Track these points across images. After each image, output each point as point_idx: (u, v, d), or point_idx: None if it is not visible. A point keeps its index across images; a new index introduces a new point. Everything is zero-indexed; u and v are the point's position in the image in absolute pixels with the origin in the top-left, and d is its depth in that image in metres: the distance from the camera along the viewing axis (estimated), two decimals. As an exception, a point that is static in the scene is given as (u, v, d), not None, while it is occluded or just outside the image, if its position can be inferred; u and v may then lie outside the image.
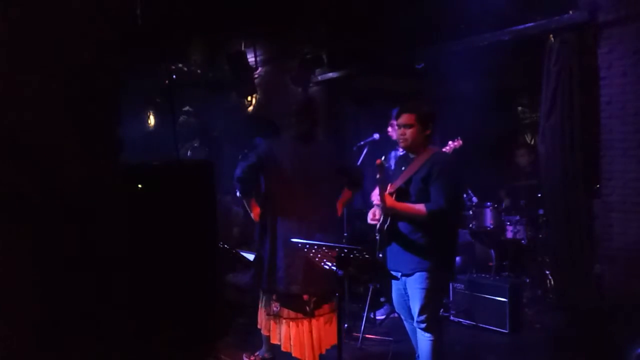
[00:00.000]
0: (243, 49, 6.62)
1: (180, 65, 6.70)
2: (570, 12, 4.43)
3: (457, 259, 5.68)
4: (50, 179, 1.40)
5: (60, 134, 1.43)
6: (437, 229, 3.20)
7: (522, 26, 4.70)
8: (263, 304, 3.72)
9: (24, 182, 1.36)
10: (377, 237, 3.34)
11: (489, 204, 5.66)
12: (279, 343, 3.67)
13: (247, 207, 3.86)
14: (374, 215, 3.37)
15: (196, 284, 1.78)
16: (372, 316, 5.03)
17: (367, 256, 2.80)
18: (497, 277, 5.19)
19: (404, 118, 3.26)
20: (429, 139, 3.34)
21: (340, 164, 3.88)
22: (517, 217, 5.59)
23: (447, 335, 4.43)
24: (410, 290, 3.29)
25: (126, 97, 1.63)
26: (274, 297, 3.63)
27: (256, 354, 3.93)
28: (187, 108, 7.37)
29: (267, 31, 6.50)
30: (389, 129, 5.10)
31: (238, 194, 3.78)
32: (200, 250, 1.79)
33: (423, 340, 3.30)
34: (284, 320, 3.62)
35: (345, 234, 5.12)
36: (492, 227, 5.57)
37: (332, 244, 2.89)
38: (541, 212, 5.43)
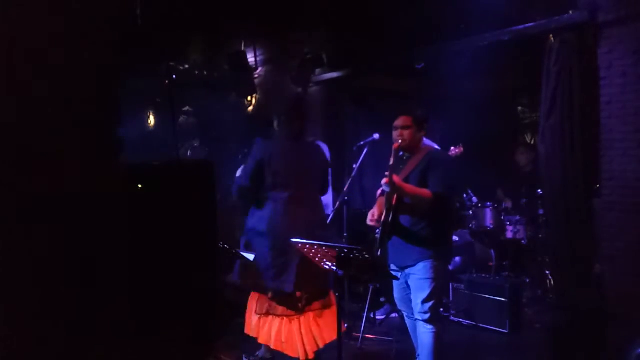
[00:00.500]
0: (243, 49, 6.61)
1: (180, 65, 6.69)
2: (570, 12, 4.42)
3: (457, 259, 5.69)
4: (50, 179, 1.40)
5: (60, 134, 1.43)
6: (437, 219, 3.36)
7: (522, 26, 4.69)
8: (254, 305, 3.74)
9: (24, 182, 1.36)
10: (377, 235, 3.40)
11: (489, 204, 5.66)
12: (268, 344, 3.68)
13: (243, 208, 3.88)
14: (373, 216, 3.48)
15: (196, 284, 1.78)
16: (372, 316, 5.03)
17: (367, 256, 2.80)
18: (497, 277, 5.20)
19: (401, 120, 3.45)
20: (423, 138, 3.55)
21: (326, 163, 3.97)
22: (517, 217, 5.60)
23: (447, 335, 4.43)
24: (413, 282, 3.39)
25: (126, 97, 1.63)
26: (269, 295, 3.64)
27: (256, 354, 3.93)
28: (187, 108, 7.36)
29: (267, 31, 6.50)
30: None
31: (234, 196, 3.80)
32: (200, 250, 1.79)
33: (425, 333, 3.36)
34: (276, 318, 3.64)
35: (345, 234, 5.12)
36: (492, 227, 5.57)
37: (332, 244, 2.90)
38: (541, 212, 5.44)
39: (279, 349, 3.65)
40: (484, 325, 4.84)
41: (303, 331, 3.66)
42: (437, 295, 3.38)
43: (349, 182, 4.76)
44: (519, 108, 8.32)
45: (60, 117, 1.43)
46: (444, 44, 5.37)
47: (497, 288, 4.85)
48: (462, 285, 5.08)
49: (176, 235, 1.72)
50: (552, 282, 5.21)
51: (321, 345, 3.71)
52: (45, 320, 1.41)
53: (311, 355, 3.66)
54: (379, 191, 3.54)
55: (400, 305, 3.65)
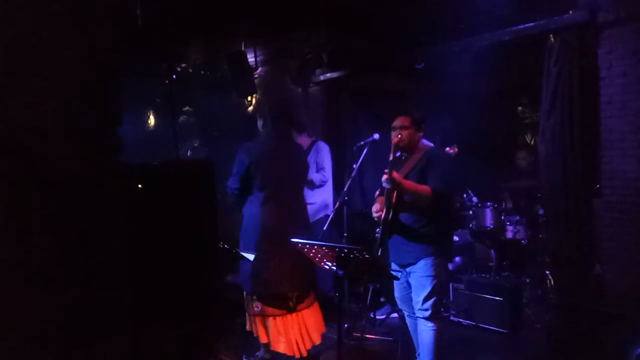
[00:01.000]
0: (243, 49, 6.61)
1: (180, 65, 6.69)
2: (570, 12, 4.43)
3: (457, 259, 5.69)
4: (50, 179, 1.40)
5: (60, 134, 1.43)
6: (437, 217, 3.37)
7: (522, 26, 4.69)
8: (246, 306, 3.77)
9: (24, 182, 1.36)
10: (377, 235, 3.42)
11: (489, 204, 5.65)
12: (266, 342, 3.72)
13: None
14: (377, 209, 3.49)
15: (196, 284, 1.78)
16: (372, 316, 5.03)
17: (367, 256, 2.80)
18: (497, 277, 5.19)
19: (400, 121, 3.48)
20: (421, 138, 3.56)
21: (307, 164, 4.06)
22: (517, 217, 5.59)
23: (447, 335, 4.43)
24: (413, 279, 3.40)
25: (126, 97, 1.63)
26: (254, 297, 3.66)
27: (256, 354, 3.93)
28: (187, 108, 7.36)
29: (267, 31, 6.50)
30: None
31: (229, 197, 3.85)
32: (200, 250, 1.79)
33: (425, 331, 3.37)
34: (270, 319, 3.66)
35: (345, 234, 5.12)
36: (492, 227, 5.56)
37: (332, 244, 2.90)
38: (541, 212, 5.43)
39: (278, 349, 3.66)
40: (484, 325, 4.84)
41: (296, 329, 3.70)
42: (437, 293, 3.39)
43: (349, 182, 4.76)
44: (519, 108, 8.31)
45: (60, 117, 1.43)
46: (444, 44, 5.37)
47: (497, 288, 4.85)
48: (462, 285, 5.08)
49: (176, 235, 1.72)
50: (552, 282, 5.20)
51: (317, 341, 3.75)
52: (45, 319, 1.41)
53: (305, 354, 3.69)
54: (377, 192, 3.57)
55: (400, 304, 3.66)
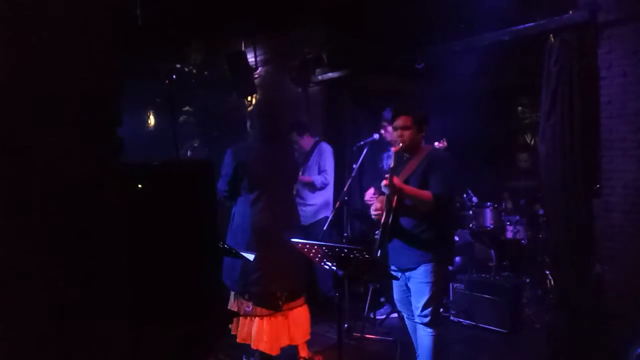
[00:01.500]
0: (243, 49, 6.61)
1: (180, 65, 6.69)
2: (570, 12, 4.42)
3: (457, 259, 5.69)
4: (50, 179, 1.40)
5: (60, 134, 1.43)
6: (438, 221, 3.31)
7: (522, 26, 4.69)
8: (235, 305, 3.77)
9: (24, 182, 1.36)
10: (377, 236, 3.37)
11: (489, 204, 5.66)
12: (245, 342, 3.72)
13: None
14: (376, 208, 3.42)
15: (196, 284, 1.78)
16: (372, 316, 5.03)
17: (367, 256, 2.80)
18: (497, 277, 5.20)
19: (401, 120, 3.38)
20: (423, 139, 3.49)
21: (296, 165, 4.08)
22: (517, 217, 5.60)
23: (447, 335, 4.43)
24: (413, 284, 3.36)
25: (126, 97, 1.63)
26: (246, 296, 3.67)
27: (256, 354, 3.93)
28: (187, 108, 7.36)
29: (267, 31, 6.50)
30: (382, 130, 5.12)
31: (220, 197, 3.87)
32: (200, 250, 1.79)
33: (424, 336, 3.35)
34: (257, 319, 3.67)
35: (345, 234, 5.12)
36: (492, 227, 5.57)
37: (332, 244, 2.90)
38: (541, 212, 5.44)
39: (258, 347, 3.67)
40: (484, 325, 4.84)
41: (281, 328, 3.71)
42: (437, 300, 3.35)
43: (349, 182, 4.76)
44: (519, 108, 8.32)
45: (60, 117, 1.43)
46: (444, 44, 5.37)
47: (497, 288, 4.85)
48: (462, 285, 5.08)
49: (176, 235, 1.72)
50: (552, 282, 5.21)
51: (299, 343, 3.76)
52: (44, 319, 1.41)
53: (278, 352, 3.70)
54: (373, 191, 3.52)
55: (400, 306, 3.64)
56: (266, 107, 3.90)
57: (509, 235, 5.55)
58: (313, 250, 2.91)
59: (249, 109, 7.13)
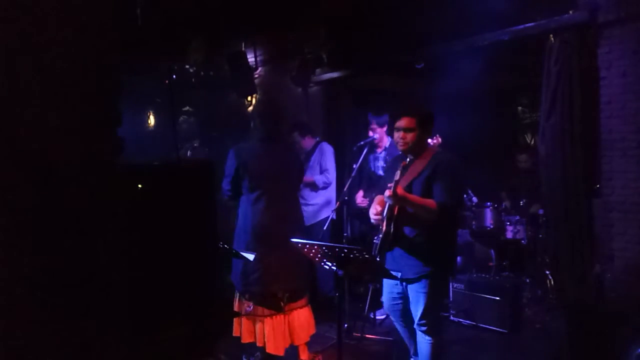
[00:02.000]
0: (243, 49, 6.61)
1: (180, 65, 6.69)
2: (570, 12, 4.42)
3: (457, 259, 5.69)
4: (50, 179, 1.40)
5: (60, 134, 1.43)
6: (441, 231, 3.16)
7: (522, 26, 4.69)
8: (237, 305, 3.78)
9: (24, 182, 1.36)
10: (375, 241, 3.24)
11: (489, 204, 5.66)
12: (252, 341, 3.73)
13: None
14: (376, 212, 3.25)
15: (196, 284, 1.78)
16: (372, 316, 5.03)
17: (367, 256, 2.80)
18: (497, 277, 5.20)
19: (405, 121, 3.20)
20: (428, 141, 3.36)
21: (300, 164, 4.04)
22: (517, 217, 5.60)
23: (447, 335, 4.42)
24: (412, 294, 3.24)
25: (126, 97, 1.63)
26: (246, 296, 3.67)
27: (256, 354, 3.93)
28: (187, 108, 7.37)
29: (267, 31, 6.50)
30: (370, 132, 5.12)
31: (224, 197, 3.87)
32: (200, 250, 1.79)
33: (423, 342, 3.30)
34: (257, 318, 3.68)
35: (345, 234, 5.12)
36: (492, 227, 5.57)
37: (332, 244, 2.90)
38: (541, 212, 5.44)
39: (262, 345, 3.68)
40: (484, 325, 4.84)
41: (284, 328, 3.71)
42: (436, 310, 3.27)
43: (349, 182, 4.76)
44: (519, 108, 8.32)
45: (60, 117, 1.43)
46: (444, 44, 5.37)
47: (497, 288, 4.85)
48: (462, 285, 5.08)
49: (176, 235, 1.72)
50: (552, 282, 5.21)
51: (299, 343, 3.76)
52: (45, 319, 1.41)
53: (282, 352, 3.71)
54: (360, 195, 3.35)
55: (389, 311, 3.51)
56: (268, 107, 3.89)
57: (509, 235, 5.55)
58: (313, 250, 2.91)
59: (249, 109, 7.14)
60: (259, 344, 3.70)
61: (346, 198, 4.90)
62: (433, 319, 3.23)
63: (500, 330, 4.73)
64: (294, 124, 5.52)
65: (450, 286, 5.13)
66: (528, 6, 4.81)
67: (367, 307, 4.96)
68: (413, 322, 3.31)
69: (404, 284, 3.26)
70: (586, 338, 4.06)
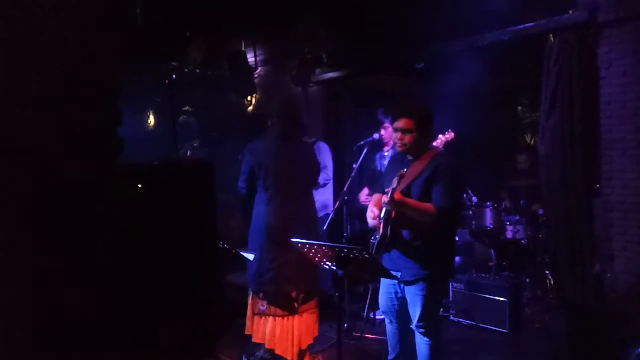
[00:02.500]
0: (243, 49, 6.62)
1: (180, 65, 6.70)
2: (570, 12, 4.43)
3: (457, 259, 5.69)
4: (50, 179, 1.40)
5: (60, 134, 1.43)
6: (440, 234, 3.13)
7: (522, 26, 4.70)
8: (251, 305, 3.77)
9: (23, 181, 1.36)
10: (373, 242, 3.22)
11: (489, 204, 5.66)
12: (262, 342, 3.71)
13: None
14: (374, 215, 3.23)
15: (196, 284, 1.78)
16: (372, 316, 5.03)
17: (367, 256, 2.79)
18: (497, 277, 5.20)
19: (403, 123, 3.14)
20: (429, 141, 3.30)
21: (316, 163, 3.98)
22: (517, 217, 5.60)
23: (447, 335, 4.43)
24: (410, 296, 3.21)
25: (126, 97, 1.63)
26: (261, 295, 3.67)
27: (256, 354, 3.93)
28: (187, 108, 7.37)
29: (267, 31, 6.50)
30: (382, 131, 5.09)
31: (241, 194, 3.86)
32: (200, 250, 1.79)
33: (421, 344, 3.28)
34: (270, 318, 3.66)
35: (345, 234, 5.12)
36: (492, 227, 5.57)
37: (332, 244, 2.89)
38: (541, 212, 5.44)
39: (273, 347, 3.67)
40: (484, 325, 4.84)
41: (296, 332, 3.68)
42: (434, 312, 3.24)
43: (349, 182, 4.76)
44: (519, 108, 8.32)
45: (60, 117, 1.43)
46: (444, 44, 5.37)
47: (497, 288, 4.85)
48: (462, 285, 5.08)
49: (176, 235, 1.72)
50: (552, 282, 5.21)
51: (304, 347, 3.75)
52: (44, 320, 1.41)
53: (296, 357, 3.69)
54: (364, 193, 3.34)
55: (385, 312, 3.45)
56: (286, 106, 3.83)
57: (509, 235, 5.55)
58: (313, 250, 2.91)
59: (249, 109, 7.13)
60: (268, 346, 3.67)
61: (346, 198, 4.90)
62: (431, 321, 3.21)
63: (500, 330, 4.73)
64: None
65: (450, 286, 5.13)
66: (528, 6, 4.81)
67: (367, 307, 4.96)
68: (409, 322, 3.28)
69: (402, 285, 3.24)
70: (586, 338, 4.06)
